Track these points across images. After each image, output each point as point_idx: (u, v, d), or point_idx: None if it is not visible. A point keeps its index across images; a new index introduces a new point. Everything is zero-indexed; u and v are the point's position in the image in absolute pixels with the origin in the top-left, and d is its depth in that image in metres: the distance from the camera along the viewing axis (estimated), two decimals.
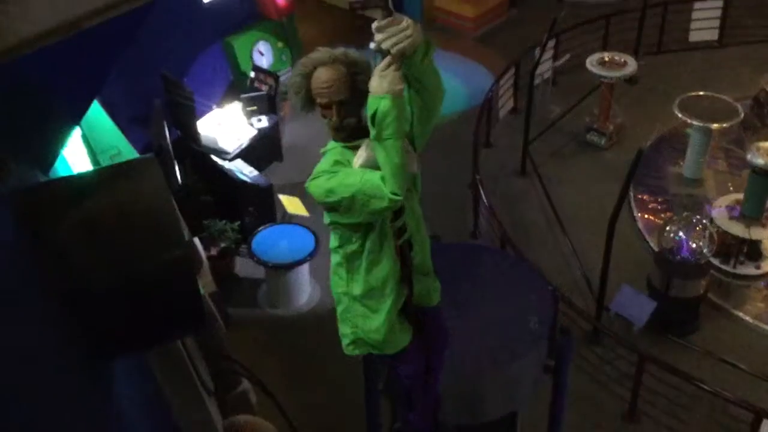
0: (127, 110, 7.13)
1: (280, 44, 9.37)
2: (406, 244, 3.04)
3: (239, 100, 8.34)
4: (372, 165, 2.75)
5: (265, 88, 8.54)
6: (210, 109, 8.30)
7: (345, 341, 3.24)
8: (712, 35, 9.92)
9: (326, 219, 3.02)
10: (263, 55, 9.06)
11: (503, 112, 9.10)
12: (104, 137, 5.82)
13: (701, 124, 7.76)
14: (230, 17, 8.90)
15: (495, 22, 10.92)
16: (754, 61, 9.57)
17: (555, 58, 9.12)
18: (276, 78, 8.61)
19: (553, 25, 8.09)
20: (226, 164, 7.59)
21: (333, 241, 3.09)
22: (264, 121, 8.26)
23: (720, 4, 9.69)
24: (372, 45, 2.61)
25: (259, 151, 8.17)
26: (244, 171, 7.52)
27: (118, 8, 3.56)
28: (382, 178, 2.68)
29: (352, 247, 3.00)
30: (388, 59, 2.58)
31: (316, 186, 2.85)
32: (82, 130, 5.22)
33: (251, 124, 8.21)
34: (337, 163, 2.85)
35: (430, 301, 3.26)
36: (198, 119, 7.79)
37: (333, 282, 3.18)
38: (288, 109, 9.09)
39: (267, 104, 8.39)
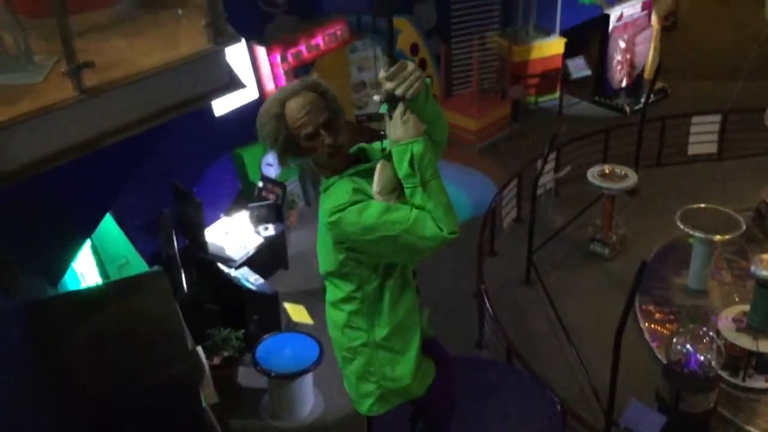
0: (136, 219, 7.24)
1: None
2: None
3: (247, 208, 8.49)
4: (393, 186, 2.62)
5: (272, 197, 8.70)
6: (218, 217, 8.45)
7: (367, 402, 2.99)
8: (711, 148, 10.14)
9: (330, 266, 2.77)
10: (271, 165, 9.27)
11: (507, 221, 9.21)
12: (113, 246, 5.90)
13: (704, 236, 7.82)
14: (241, 129, 9.16)
15: (498, 134, 11.20)
16: (754, 174, 9.74)
17: (557, 169, 9.30)
18: (283, 188, 8.78)
19: (555, 139, 8.31)
20: (232, 272, 7.64)
21: (340, 291, 2.85)
22: (271, 230, 8.38)
23: (718, 119, 9.96)
24: (377, 97, 2.63)
25: (265, 259, 8.24)
26: (250, 279, 7.56)
27: (139, 127, 3.70)
28: (434, 219, 2.51)
29: (373, 284, 2.78)
30: (402, 106, 2.54)
31: (348, 222, 2.57)
32: (91, 239, 5.31)
33: (258, 233, 8.32)
34: (356, 191, 2.63)
35: (430, 331, 3.15)
36: (206, 228, 7.91)
37: (346, 338, 2.92)
38: (295, 218, 9.22)
39: (274, 213, 8.53)
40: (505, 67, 11.50)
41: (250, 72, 9.15)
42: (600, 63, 11.72)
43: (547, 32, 11.53)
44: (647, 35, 11.78)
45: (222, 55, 4.35)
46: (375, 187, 2.63)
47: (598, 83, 11.82)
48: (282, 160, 2.77)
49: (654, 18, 11.83)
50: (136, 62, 4.05)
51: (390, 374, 2.92)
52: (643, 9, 11.57)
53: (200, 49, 4.23)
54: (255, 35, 9.21)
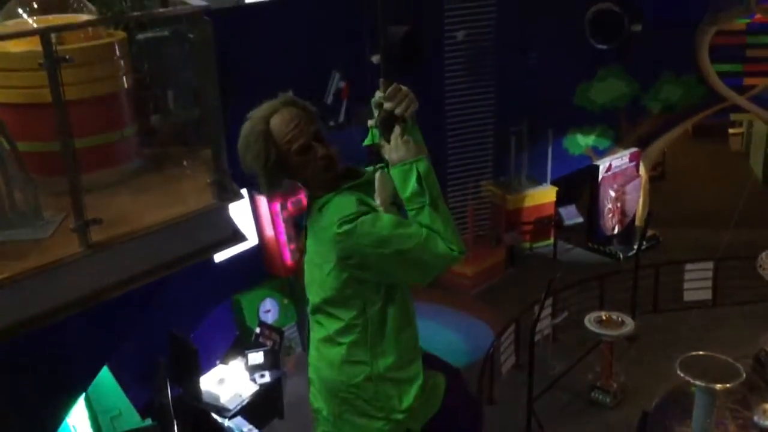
0: (131, 367, 7.17)
1: (286, 301, 9.65)
2: None
3: (243, 355, 8.42)
4: (394, 199, 2.58)
5: (269, 343, 8.65)
6: (214, 365, 8.36)
7: None
8: (706, 295, 10.22)
9: (329, 291, 2.58)
10: (269, 311, 9.29)
11: (506, 368, 9.11)
12: (106, 397, 5.83)
13: (704, 385, 7.72)
14: (240, 276, 9.26)
15: (493, 280, 11.29)
16: (749, 321, 9.75)
17: (554, 315, 9.32)
18: (281, 333, 8.75)
19: (551, 285, 8.39)
20: (226, 422, 7.48)
21: (337, 322, 2.64)
22: (267, 377, 8.27)
23: (710, 266, 10.11)
24: (371, 122, 2.59)
25: (260, 408, 8.08)
26: (244, 429, 7.39)
27: (143, 280, 3.79)
28: (443, 239, 2.43)
29: (376, 307, 2.60)
30: (400, 127, 2.53)
31: (362, 233, 2.43)
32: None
33: (254, 380, 8.21)
34: (361, 202, 2.53)
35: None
36: (200, 376, 7.82)
37: (344, 376, 2.67)
38: (292, 365, 9.12)
39: (271, 359, 8.45)
40: (499, 215, 11.78)
41: (251, 219, 9.37)
42: (591, 211, 12.02)
43: (539, 181, 11.91)
44: (636, 185, 12.17)
45: (226, 210, 4.51)
46: (379, 196, 2.57)
47: (591, 230, 12.06)
48: (270, 185, 2.63)
49: (642, 168, 12.26)
50: (142, 218, 4.20)
51: (399, 407, 2.68)
52: (631, 160, 12.02)
53: (205, 205, 4.39)
54: (256, 185, 9.49)
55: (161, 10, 5.04)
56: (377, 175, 2.58)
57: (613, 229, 12.15)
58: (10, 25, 4.53)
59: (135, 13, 5.82)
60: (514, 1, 10.79)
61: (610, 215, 12.07)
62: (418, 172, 2.48)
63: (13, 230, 3.97)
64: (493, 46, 10.96)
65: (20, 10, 4.58)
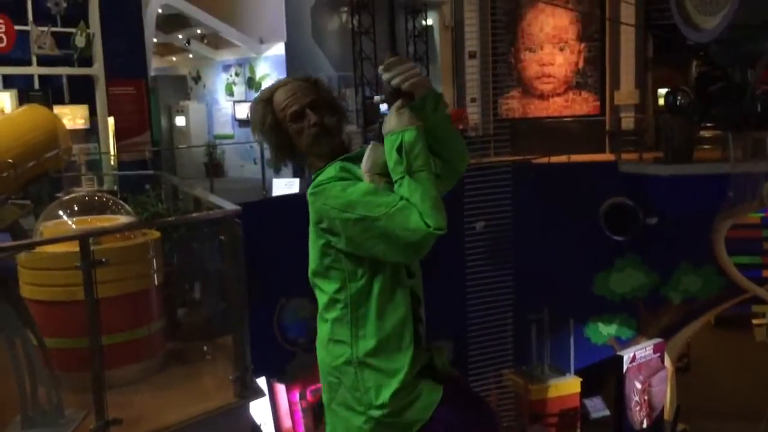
0: None
1: None
2: (412, 295, 2.52)
3: None
4: (381, 169, 2.44)
5: None
6: None
7: None
8: None
9: (314, 261, 2.49)
10: None
11: None
12: None
13: None
14: None
15: None
16: None
17: None
18: None
19: None
20: None
21: (324, 295, 2.52)
22: None
23: None
24: (377, 98, 2.54)
25: None
26: None
27: None
28: (420, 213, 2.29)
29: (358, 284, 2.45)
30: (400, 101, 2.43)
31: (330, 195, 2.38)
32: None
33: None
34: (344, 170, 2.47)
35: (449, 370, 2.63)
36: None
37: (330, 356, 2.51)
38: None
39: None
40: (523, 405, 11.47)
41: (269, 409, 9.20)
42: (618, 404, 11.67)
43: (562, 371, 11.70)
44: (662, 376, 11.89)
45: (246, 408, 4.47)
46: (364, 165, 2.47)
47: (618, 424, 11.65)
48: (274, 154, 2.60)
49: (667, 360, 12.05)
50: (162, 417, 4.16)
51: (375, 401, 2.46)
52: (655, 351, 11.84)
53: (226, 403, 4.35)
54: (275, 373, 9.43)
55: (195, 215, 5.29)
56: (369, 145, 2.51)
57: (642, 423, 11.72)
58: (50, 226, 4.74)
59: (171, 218, 6.08)
60: (531, 194, 11.19)
61: (638, 408, 11.69)
62: (402, 142, 2.38)
63: (33, 430, 3.94)
64: (512, 236, 11.22)
65: (60, 212, 4.81)
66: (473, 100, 16.70)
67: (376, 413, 2.45)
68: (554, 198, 11.16)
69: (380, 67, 2.47)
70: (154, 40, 14.40)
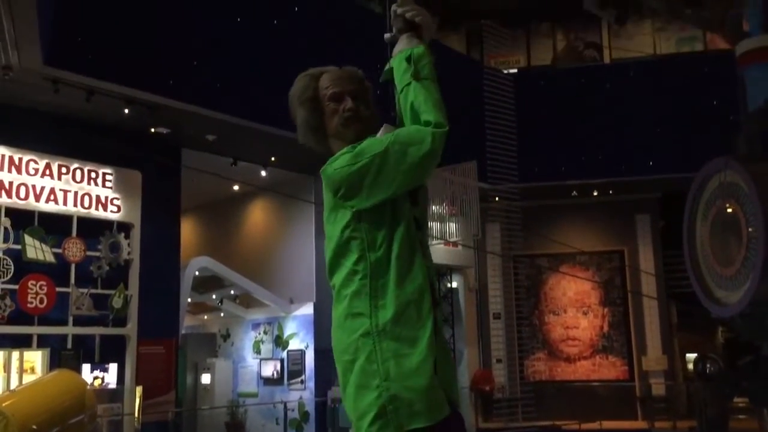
0: None
1: None
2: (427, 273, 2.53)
3: None
4: None
5: None
6: None
7: (367, 419, 2.35)
8: None
9: (333, 235, 2.52)
10: None
11: None
12: None
13: None
14: None
15: None
16: None
17: None
18: None
19: None
20: None
21: (343, 270, 2.52)
22: None
23: None
24: (387, 35, 2.66)
25: None
26: None
27: None
28: (423, 112, 2.46)
29: (378, 253, 2.47)
30: (412, 31, 2.61)
31: (338, 160, 2.50)
32: None
33: None
34: (357, 147, 2.53)
35: (458, 396, 2.54)
36: None
37: (347, 334, 2.47)
38: None
39: None
40: None
41: None
42: None
43: None
44: None
45: None
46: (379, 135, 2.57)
47: None
48: (301, 128, 2.69)
49: None
50: None
51: (397, 372, 2.36)
52: None
53: None
54: None
55: None
56: (382, 127, 2.63)
57: None
58: None
59: None
60: None
61: None
62: (411, 53, 2.56)
63: None
64: None
65: None
66: (498, 360, 16.64)
67: (393, 387, 2.39)
68: None
69: (393, 6, 2.70)
70: (189, 300, 14.90)
